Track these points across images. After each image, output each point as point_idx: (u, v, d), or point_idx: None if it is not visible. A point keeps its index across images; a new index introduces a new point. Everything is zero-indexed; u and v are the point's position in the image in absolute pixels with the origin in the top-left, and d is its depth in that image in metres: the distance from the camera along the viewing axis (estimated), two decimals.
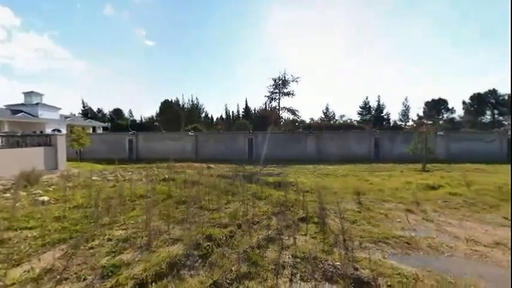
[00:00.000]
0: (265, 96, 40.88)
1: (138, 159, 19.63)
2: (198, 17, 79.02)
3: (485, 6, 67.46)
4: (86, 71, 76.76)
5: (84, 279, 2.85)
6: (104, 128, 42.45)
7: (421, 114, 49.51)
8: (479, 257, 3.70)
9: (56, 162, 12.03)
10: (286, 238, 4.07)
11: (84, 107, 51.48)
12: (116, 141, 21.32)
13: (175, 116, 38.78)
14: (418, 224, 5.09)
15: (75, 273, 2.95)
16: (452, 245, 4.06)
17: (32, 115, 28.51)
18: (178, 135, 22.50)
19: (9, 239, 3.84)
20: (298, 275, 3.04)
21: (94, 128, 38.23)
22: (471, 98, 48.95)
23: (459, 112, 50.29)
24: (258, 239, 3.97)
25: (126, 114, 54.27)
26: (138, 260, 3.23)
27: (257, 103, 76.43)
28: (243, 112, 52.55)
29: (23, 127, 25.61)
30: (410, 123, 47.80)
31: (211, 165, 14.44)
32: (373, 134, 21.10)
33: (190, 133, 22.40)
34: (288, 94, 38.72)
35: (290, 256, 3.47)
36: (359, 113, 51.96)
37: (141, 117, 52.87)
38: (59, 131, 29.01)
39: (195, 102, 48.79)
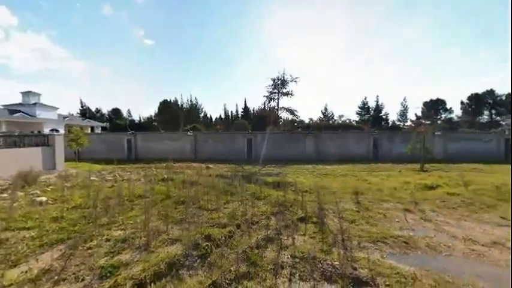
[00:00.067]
0: (264, 96, 41.05)
1: (136, 159, 19.57)
2: (198, 16, 79.01)
3: (484, 7, 67.84)
4: (84, 71, 76.57)
5: (82, 280, 2.84)
6: (103, 128, 42.30)
7: (420, 114, 49.76)
8: (477, 257, 3.72)
9: (54, 163, 11.97)
10: (285, 238, 4.07)
11: (82, 106, 51.31)
12: (114, 141, 21.23)
13: (174, 116, 38.70)
14: (416, 224, 5.11)
15: (73, 273, 2.94)
16: (450, 245, 4.08)
17: (29, 115, 28.35)
18: (177, 135, 22.45)
19: (6, 240, 3.82)
20: (297, 274, 3.05)
21: (92, 128, 38.08)
22: (469, 98, 49.26)
23: (457, 112, 50.62)
24: (257, 239, 3.97)
25: (125, 114, 54.16)
26: (137, 260, 3.22)
27: (256, 103, 76.71)
28: (242, 112, 52.55)
29: (20, 127, 25.47)
30: (408, 123, 48.01)
31: (210, 165, 14.42)
32: (371, 134, 21.15)
33: (189, 133, 22.36)
34: (286, 94, 38.83)
35: (289, 256, 3.48)
36: (358, 113, 52.14)
37: (140, 117, 52.81)
38: (57, 131, 28.88)
39: (193, 102, 48.77)
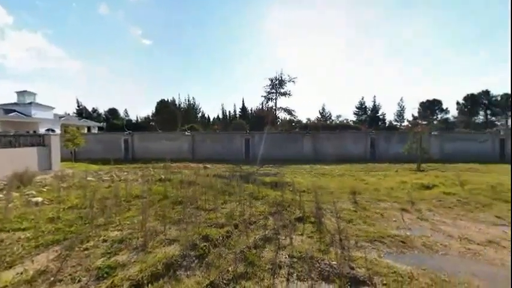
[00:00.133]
0: (262, 96, 41.02)
1: (133, 160, 19.46)
2: (196, 16, 78.80)
3: (484, 7, 68.31)
4: (81, 70, 75.97)
5: (79, 281, 2.81)
6: (99, 128, 42.00)
7: (416, 114, 50.15)
8: (472, 255, 3.75)
9: (50, 163, 11.86)
10: (283, 238, 4.07)
11: (78, 106, 50.92)
12: (111, 141, 21.09)
13: (172, 116, 38.54)
14: (413, 223, 5.15)
15: (70, 274, 2.91)
16: (446, 244, 4.12)
17: (25, 115, 28.06)
18: (175, 135, 22.37)
19: (1, 241, 3.77)
20: (295, 274, 3.05)
21: (89, 128, 37.80)
22: (465, 98, 49.82)
23: (453, 112, 51.12)
24: (254, 239, 3.97)
25: (122, 114, 53.90)
26: (134, 261, 3.20)
27: (255, 103, 76.72)
28: (239, 112, 52.53)
29: (15, 127, 25.20)
30: (405, 123, 48.37)
31: (208, 165, 14.39)
32: (369, 134, 21.27)
33: (186, 133, 22.29)
34: (284, 94, 38.72)
35: (287, 256, 3.48)
36: (355, 113, 52.46)
37: (137, 117, 52.54)
38: (53, 130, 28.61)
39: (191, 102, 48.61)
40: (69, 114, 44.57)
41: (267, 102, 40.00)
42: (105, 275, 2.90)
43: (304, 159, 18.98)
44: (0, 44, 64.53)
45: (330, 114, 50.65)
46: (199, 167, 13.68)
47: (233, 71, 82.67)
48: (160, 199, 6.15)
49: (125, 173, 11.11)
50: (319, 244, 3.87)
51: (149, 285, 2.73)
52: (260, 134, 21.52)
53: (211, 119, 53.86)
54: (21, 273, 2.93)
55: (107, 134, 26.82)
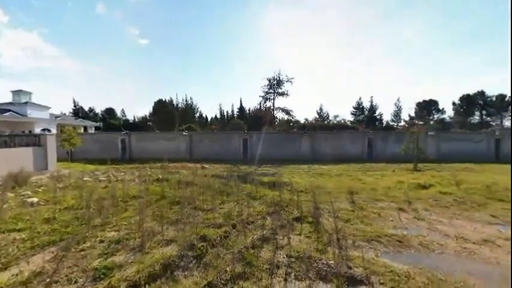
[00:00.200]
0: (260, 96, 41.08)
1: (131, 160, 19.34)
2: (193, 15, 78.57)
3: (484, 7, 68.70)
4: (77, 70, 75.37)
5: (75, 282, 2.79)
6: (96, 128, 41.68)
7: (413, 114, 50.52)
8: (468, 254, 3.80)
9: (46, 163, 11.74)
10: (281, 238, 4.08)
11: (75, 106, 50.48)
12: (108, 141, 20.94)
13: (169, 116, 38.39)
14: (409, 223, 5.18)
15: (66, 275, 2.89)
16: (442, 243, 4.16)
17: (20, 114, 27.71)
18: (172, 135, 22.28)
19: None
20: (293, 274, 3.06)
21: (85, 128, 37.47)
22: (460, 99, 50.30)
23: (449, 113, 51.60)
24: (252, 239, 3.97)
25: (119, 113, 53.50)
26: (131, 262, 3.18)
27: (253, 103, 76.51)
28: (237, 112, 52.47)
29: (11, 127, 24.89)
30: (402, 123, 48.69)
31: (206, 165, 14.36)
32: (366, 134, 21.38)
33: (184, 133, 22.22)
34: (282, 94, 38.97)
35: (285, 256, 3.49)
36: (352, 113, 52.63)
37: (134, 117, 52.22)
38: (48, 130, 28.33)
39: (189, 102, 48.46)
40: (65, 114, 44.17)
41: (265, 102, 40.25)
42: (101, 276, 2.88)
43: (302, 159, 19.02)
44: None
45: (328, 114, 50.81)
46: (197, 167, 13.64)
47: (231, 71, 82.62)
48: (158, 199, 6.12)
49: (122, 173, 11.04)
50: (316, 244, 3.89)
51: (146, 286, 2.71)
52: (258, 134, 21.52)
53: (209, 119, 53.77)
54: (17, 274, 2.90)
55: (103, 134, 26.62)
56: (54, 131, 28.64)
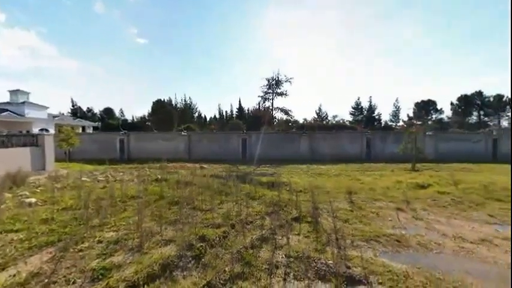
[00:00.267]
0: (258, 96, 41.09)
1: (129, 160, 19.28)
2: (192, 15, 78.49)
3: (484, 7, 68.83)
4: (75, 70, 74.98)
5: (73, 283, 2.78)
6: (94, 128, 41.47)
7: (411, 114, 50.71)
8: (466, 254, 3.82)
9: (44, 163, 11.68)
10: (280, 238, 4.08)
11: (73, 106, 50.24)
12: (106, 141, 20.87)
13: (168, 116, 38.32)
14: (408, 222, 5.20)
15: (64, 276, 2.87)
16: (440, 242, 4.18)
17: (18, 114, 27.55)
18: (171, 135, 22.24)
19: None
20: (292, 274, 3.06)
21: (84, 128, 37.30)
22: (458, 99, 50.56)
23: (447, 113, 51.84)
24: (251, 239, 3.97)
25: (117, 113, 53.30)
26: (130, 262, 3.18)
27: (251, 103, 76.53)
28: (236, 112, 52.43)
29: (8, 126, 24.73)
30: (400, 123, 48.84)
31: (205, 166, 14.34)
32: (365, 134, 21.43)
33: (183, 133, 22.18)
34: (281, 94, 39.04)
35: (283, 255, 3.49)
36: (351, 114, 52.75)
37: (133, 117, 52.03)
38: (46, 130, 28.16)
39: (188, 102, 48.41)
40: (63, 113, 43.96)
41: (264, 102, 40.30)
42: (100, 277, 2.87)
43: (300, 159, 19.04)
44: None
45: (327, 114, 50.86)
46: (196, 167, 13.62)
47: (230, 71, 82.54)
48: (157, 199, 6.11)
49: (121, 173, 11.01)
50: (315, 244, 3.89)
51: (145, 286, 2.71)
52: (257, 134, 21.53)
53: (208, 119, 53.71)
54: (14, 275, 2.89)
55: (102, 134, 26.51)
56: (52, 131, 28.48)
